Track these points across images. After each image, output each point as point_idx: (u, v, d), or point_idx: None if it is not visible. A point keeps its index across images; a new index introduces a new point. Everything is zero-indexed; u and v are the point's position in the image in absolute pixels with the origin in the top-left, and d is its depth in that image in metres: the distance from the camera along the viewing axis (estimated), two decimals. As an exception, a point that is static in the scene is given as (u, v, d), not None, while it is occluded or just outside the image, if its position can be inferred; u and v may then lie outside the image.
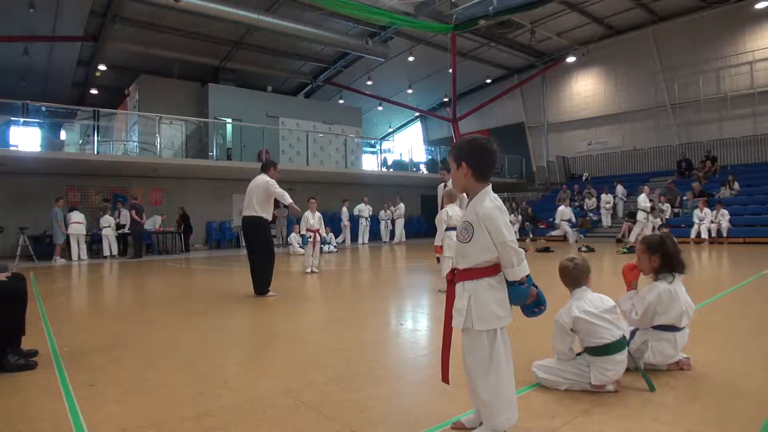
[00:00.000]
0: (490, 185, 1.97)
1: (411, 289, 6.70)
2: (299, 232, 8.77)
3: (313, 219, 8.60)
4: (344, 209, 16.61)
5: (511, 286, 1.88)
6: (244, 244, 6.32)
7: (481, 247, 1.86)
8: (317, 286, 7.16)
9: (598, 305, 2.43)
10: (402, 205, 17.82)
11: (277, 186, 5.94)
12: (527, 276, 1.88)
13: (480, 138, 2.00)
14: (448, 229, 5.62)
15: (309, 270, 8.38)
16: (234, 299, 5.70)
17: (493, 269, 1.88)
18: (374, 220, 18.08)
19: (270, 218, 6.07)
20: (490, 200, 1.89)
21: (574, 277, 2.52)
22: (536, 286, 1.91)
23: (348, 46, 17.68)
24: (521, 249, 1.87)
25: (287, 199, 5.98)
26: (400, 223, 17.87)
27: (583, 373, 2.41)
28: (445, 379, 1.98)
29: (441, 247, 5.68)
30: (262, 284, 5.82)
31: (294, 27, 15.69)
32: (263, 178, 5.93)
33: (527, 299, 1.89)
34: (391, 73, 21.77)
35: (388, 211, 18.30)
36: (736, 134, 17.25)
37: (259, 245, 5.91)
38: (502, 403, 1.86)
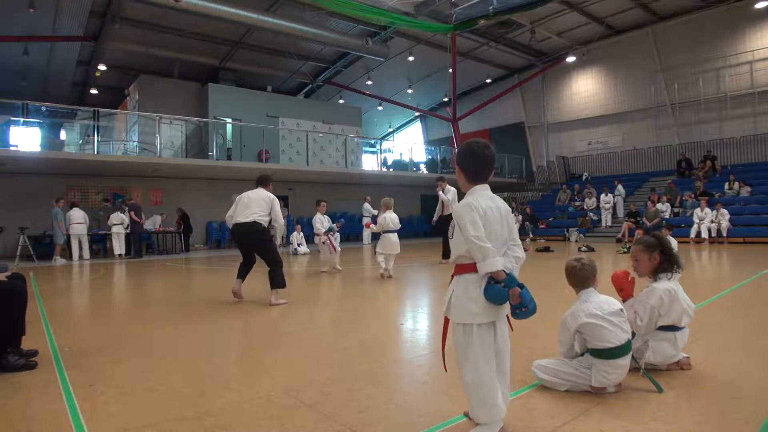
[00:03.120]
0: (485, 185, 2.03)
1: (411, 289, 6.70)
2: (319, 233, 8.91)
3: (323, 220, 8.75)
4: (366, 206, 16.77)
5: (489, 284, 1.87)
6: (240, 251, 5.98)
7: (458, 242, 1.97)
8: (317, 286, 7.16)
9: (605, 308, 2.40)
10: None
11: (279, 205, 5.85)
12: (509, 275, 1.86)
13: (472, 142, 2.09)
14: (386, 232, 7.48)
15: (326, 269, 8.66)
16: (234, 299, 5.69)
17: (472, 266, 1.92)
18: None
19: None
20: (466, 199, 1.99)
21: (582, 277, 2.48)
22: (521, 286, 1.87)
23: (348, 46, 17.67)
24: (487, 246, 1.84)
25: (281, 220, 5.82)
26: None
27: (584, 375, 2.41)
28: (445, 367, 2.15)
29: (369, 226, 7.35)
30: (277, 283, 5.59)
31: (294, 27, 15.68)
32: (265, 193, 5.69)
33: (506, 299, 1.87)
34: (391, 73, 21.77)
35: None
36: (736, 134, 17.25)
37: (269, 251, 5.63)
38: (480, 398, 1.90)
